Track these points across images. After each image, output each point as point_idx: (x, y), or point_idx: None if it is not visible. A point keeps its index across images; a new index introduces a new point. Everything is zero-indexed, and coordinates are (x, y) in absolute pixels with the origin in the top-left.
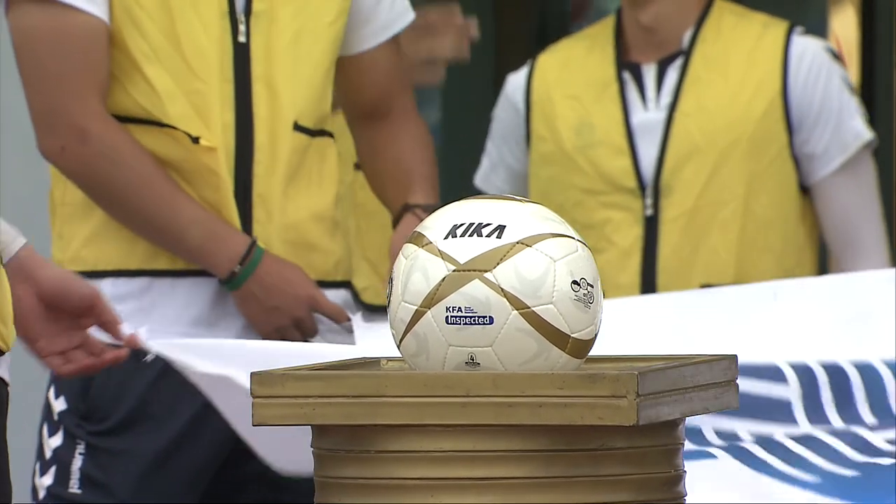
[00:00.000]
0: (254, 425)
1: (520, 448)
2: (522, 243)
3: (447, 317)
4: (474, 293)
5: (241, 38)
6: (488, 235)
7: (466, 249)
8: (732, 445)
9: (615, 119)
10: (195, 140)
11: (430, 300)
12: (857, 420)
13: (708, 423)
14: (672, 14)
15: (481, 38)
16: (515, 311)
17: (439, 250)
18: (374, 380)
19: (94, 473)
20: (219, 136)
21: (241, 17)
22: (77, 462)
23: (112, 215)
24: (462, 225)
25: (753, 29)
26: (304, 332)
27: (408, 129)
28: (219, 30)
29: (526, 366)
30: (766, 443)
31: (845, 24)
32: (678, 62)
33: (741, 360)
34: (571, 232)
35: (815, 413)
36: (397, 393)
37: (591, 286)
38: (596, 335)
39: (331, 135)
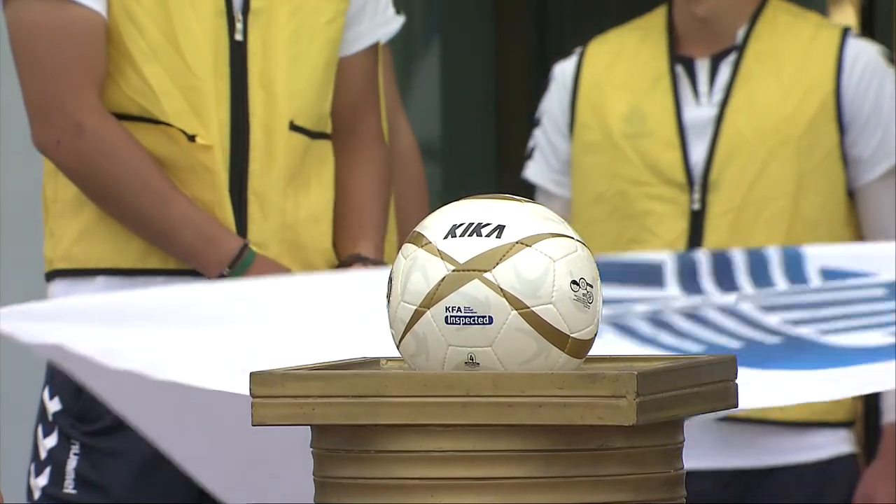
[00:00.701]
0: (254, 425)
1: (520, 448)
2: (522, 243)
3: (447, 317)
4: (474, 293)
5: (238, 37)
6: (488, 235)
7: (466, 249)
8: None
9: (667, 112)
10: (191, 138)
11: (430, 300)
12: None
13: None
14: (727, 7)
15: (481, 38)
16: (515, 311)
17: (438, 250)
18: (374, 380)
19: (89, 474)
20: (215, 133)
21: (238, 15)
22: (72, 462)
23: (105, 211)
24: (461, 225)
25: (808, 29)
26: None
27: (368, 161)
28: (215, 27)
29: (525, 366)
30: (656, 318)
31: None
32: (731, 57)
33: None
34: (571, 232)
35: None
36: (397, 393)
37: (591, 286)
38: (595, 335)
39: (330, 138)
